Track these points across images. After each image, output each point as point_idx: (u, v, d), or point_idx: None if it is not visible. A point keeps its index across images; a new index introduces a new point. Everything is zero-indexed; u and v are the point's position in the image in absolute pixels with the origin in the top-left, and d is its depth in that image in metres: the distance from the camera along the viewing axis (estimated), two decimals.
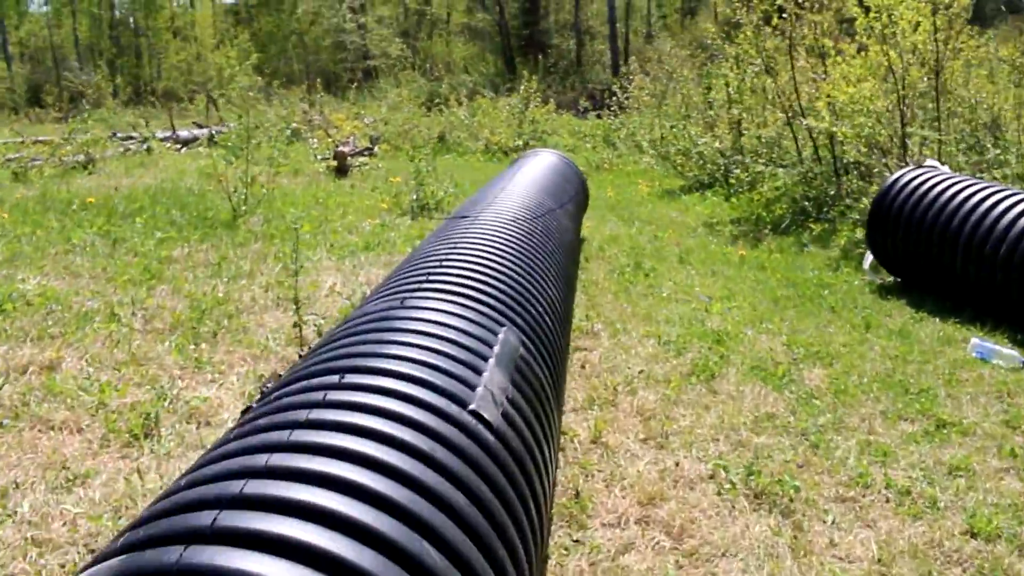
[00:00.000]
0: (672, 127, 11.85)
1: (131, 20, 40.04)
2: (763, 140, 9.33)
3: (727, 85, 11.33)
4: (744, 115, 9.95)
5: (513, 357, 2.14)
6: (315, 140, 13.09)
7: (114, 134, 17.33)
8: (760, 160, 9.39)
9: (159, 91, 29.90)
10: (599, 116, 20.50)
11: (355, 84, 27.25)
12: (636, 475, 2.85)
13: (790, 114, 8.93)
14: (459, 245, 2.92)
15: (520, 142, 16.91)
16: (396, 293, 2.43)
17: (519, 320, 2.43)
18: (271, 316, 4.44)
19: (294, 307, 3.77)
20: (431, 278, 2.49)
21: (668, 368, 3.87)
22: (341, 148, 11.53)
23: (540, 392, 2.19)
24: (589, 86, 28.75)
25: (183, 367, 3.67)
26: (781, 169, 9.33)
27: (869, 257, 5.98)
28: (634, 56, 24.98)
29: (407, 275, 2.68)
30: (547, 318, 2.73)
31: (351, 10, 35.71)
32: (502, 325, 2.28)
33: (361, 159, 13.68)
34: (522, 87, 18.42)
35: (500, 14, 33.58)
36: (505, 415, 1.85)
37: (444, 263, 2.67)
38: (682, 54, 19.41)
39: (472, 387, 1.85)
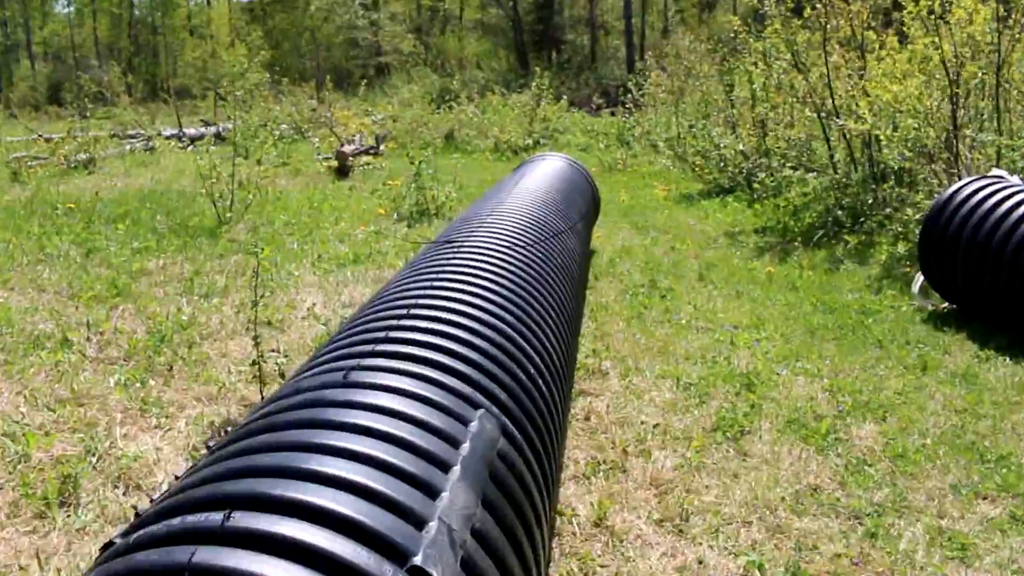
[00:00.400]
0: (691, 126, 11.23)
1: (150, 19, 39.89)
2: (791, 142, 8.69)
3: (751, 82, 10.69)
4: (771, 114, 9.32)
5: (488, 459, 1.59)
6: (316, 139, 12.55)
7: (122, 132, 16.94)
8: (787, 164, 8.75)
9: (171, 88, 29.63)
10: (613, 113, 19.89)
11: (365, 80, 26.79)
12: (648, 574, 2.29)
13: (822, 114, 8.30)
14: (436, 284, 2.37)
15: (530, 140, 16.36)
16: (343, 356, 1.88)
17: (503, 395, 1.87)
18: (237, 344, 3.91)
19: (253, 343, 3.23)
20: (391, 336, 1.94)
21: (689, 421, 3.30)
22: (342, 148, 11.01)
23: (523, 505, 1.63)
24: (604, 82, 28.14)
25: (127, 409, 3.15)
26: (811, 174, 8.70)
27: (919, 279, 5.35)
28: (650, 52, 24.30)
29: (365, 324, 2.13)
30: (543, 383, 2.17)
31: (363, 6, 35.28)
32: (478, 407, 1.73)
33: (365, 158, 13.18)
34: (534, 84, 17.87)
35: (514, 9, 32.99)
36: (467, 564, 1.30)
37: (411, 311, 2.12)
38: (701, 49, 18.81)
39: (422, 522, 1.30)
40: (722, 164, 10.41)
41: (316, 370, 1.82)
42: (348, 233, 6.66)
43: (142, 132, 16.29)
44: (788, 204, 8.63)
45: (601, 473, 2.85)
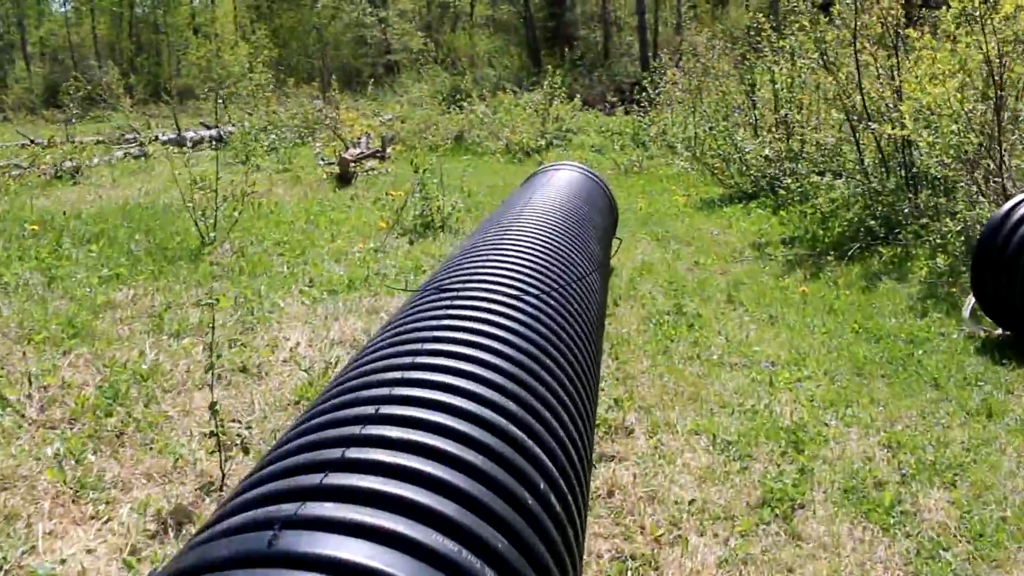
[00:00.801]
0: (711, 128, 10.67)
1: (151, 17, 39.36)
2: (820, 145, 8.11)
3: (773, 81, 10.12)
4: (798, 116, 8.74)
5: None
6: (319, 144, 12.07)
7: (117, 136, 16.53)
8: (815, 168, 8.18)
9: (172, 89, 29.25)
10: (627, 112, 19.33)
11: (373, 80, 26.33)
12: None
13: (852, 116, 7.73)
14: (417, 361, 1.86)
15: (543, 142, 15.87)
16: (277, 494, 1.38)
17: (502, 544, 1.37)
18: (204, 397, 3.41)
19: (211, 413, 2.73)
20: (347, 457, 1.44)
21: (730, 493, 2.78)
22: (344, 154, 10.53)
23: None
24: (617, 79, 27.58)
25: (59, 494, 2.65)
26: (839, 179, 8.14)
27: (970, 302, 4.81)
28: (664, 49, 23.70)
29: (319, 428, 1.63)
30: (558, 497, 1.66)
31: (371, 3, 34.85)
32: None
33: (370, 163, 12.71)
34: (545, 82, 17.36)
35: (525, 5, 32.42)
36: None
37: (380, 411, 1.62)
38: (719, 46, 18.31)
39: None
40: (743, 168, 9.86)
41: (240, 518, 1.32)
42: (345, 251, 6.17)
43: (138, 136, 15.87)
44: (815, 211, 8.09)
45: (629, 574, 2.34)
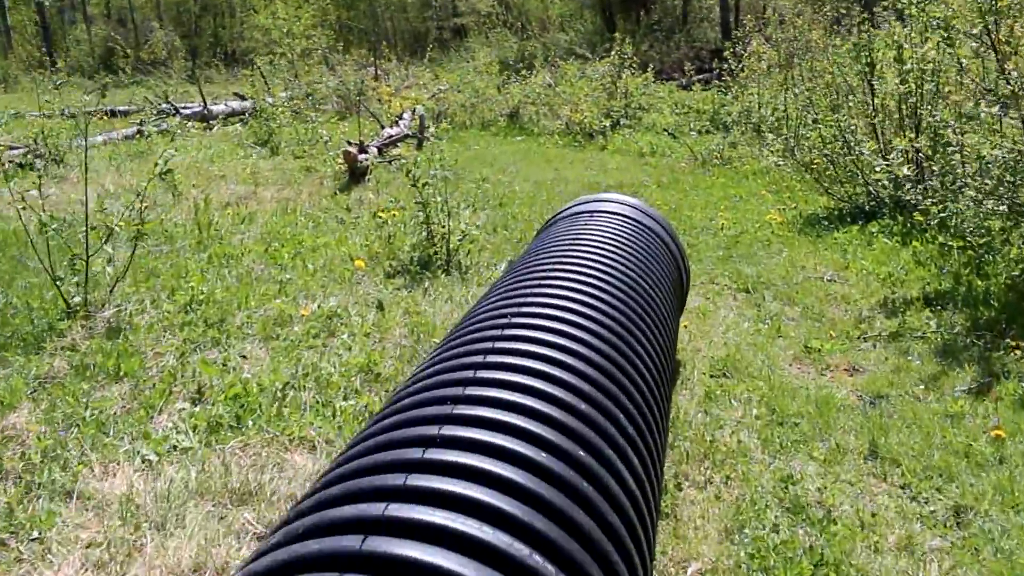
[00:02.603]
0: (814, 120, 8.29)
1: None
2: (983, 163, 5.68)
3: (900, 61, 7.64)
4: (947, 116, 6.32)
5: None
6: (326, 133, 10.17)
7: (152, 106, 15.02)
8: (978, 195, 5.77)
9: (222, 53, 27.72)
10: (707, 83, 16.80)
11: (431, 47, 24.34)
12: None
13: None
14: None
15: (608, 122, 13.66)
16: None
17: None
18: None
19: None
20: None
21: None
22: (348, 148, 8.60)
23: None
24: (696, 46, 24.85)
25: None
26: (1004, 206, 5.77)
27: None
28: (748, 15, 20.90)
29: None
30: None
31: None
32: None
33: (398, 149, 10.82)
34: (613, 52, 15.12)
35: None
36: None
37: None
38: (808, 13, 15.62)
39: None
40: (857, 174, 7.53)
41: None
42: (288, 317, 4.25)
43: (154, 105, 14.31)
44: (964, 246, 5.82)
45: None
